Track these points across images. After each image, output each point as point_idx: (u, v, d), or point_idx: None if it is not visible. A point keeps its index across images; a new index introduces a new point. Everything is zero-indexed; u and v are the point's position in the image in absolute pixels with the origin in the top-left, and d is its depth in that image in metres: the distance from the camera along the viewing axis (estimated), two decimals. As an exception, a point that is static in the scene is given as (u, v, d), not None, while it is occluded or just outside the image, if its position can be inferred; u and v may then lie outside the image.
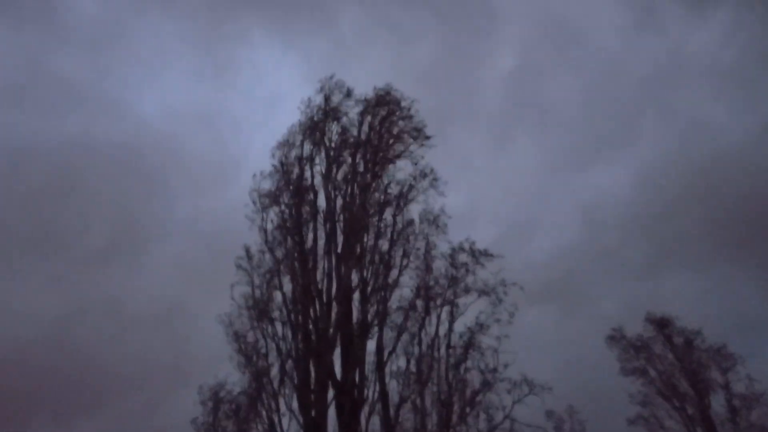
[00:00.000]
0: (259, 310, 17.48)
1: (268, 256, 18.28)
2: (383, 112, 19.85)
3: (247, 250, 18.34)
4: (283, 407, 16.55)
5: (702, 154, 42.39)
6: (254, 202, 18.96)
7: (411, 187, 19.16)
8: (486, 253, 18.40)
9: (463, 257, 18.50)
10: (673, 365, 29.09)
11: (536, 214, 49.03)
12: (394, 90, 19.87)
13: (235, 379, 17.63)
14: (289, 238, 18.36)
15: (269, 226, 18.53)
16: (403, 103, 19.81)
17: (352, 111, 19.90)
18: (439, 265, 18.70)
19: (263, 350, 17.19)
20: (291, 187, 19.07)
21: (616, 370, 29.47)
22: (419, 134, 19.58)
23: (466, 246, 18.55)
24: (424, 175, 19.28)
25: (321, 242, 18.32)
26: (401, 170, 19.43)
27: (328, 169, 19.27)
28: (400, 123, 19.70)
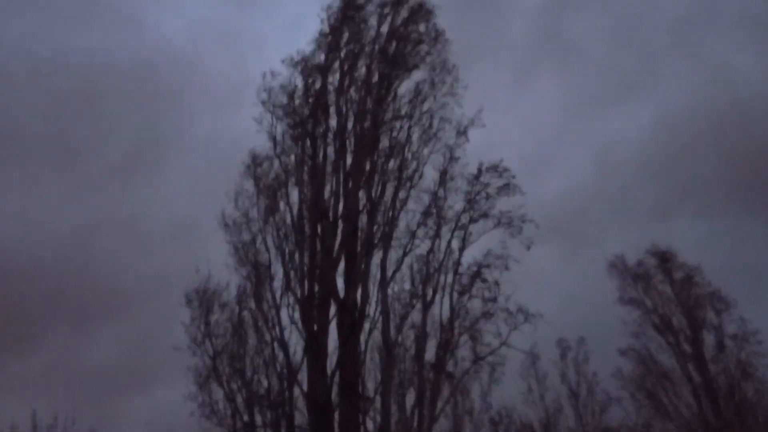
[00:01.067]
0: (266, 215, 17.23)
1: (276, 162, 17.89)
2: (405, 14, 18.91)
3: (254, 157, 17.89)
4: (285, 319, 16.66)
5: (723, 101, 41.12)
6: (263, 103, 18.31)
7: (431, 85, 18.34)
8: (512, 181, 17.56)
9: (487, 178, 17.63)
10: (670, 300, 29.19)
11: (551, 152, 48.43)
12: None
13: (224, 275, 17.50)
14: (299, 147, 17.90)
15: (278, 132, 18.02)
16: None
17: (372, 17, 19.08)
18: (456, 185, 17.94)
19: (266, 259, 17.03)
20: (308, 96, 18.44)
21: (615, 299, 29.60)
22: (439, 39, 18.66)
23: (496, 166, 17.58)
24: (447, 72, 18.43)
25: (330, 160, 17.97)
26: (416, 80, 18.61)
27: (341, 81, 18.58)
28: (421, 27, 18.75)
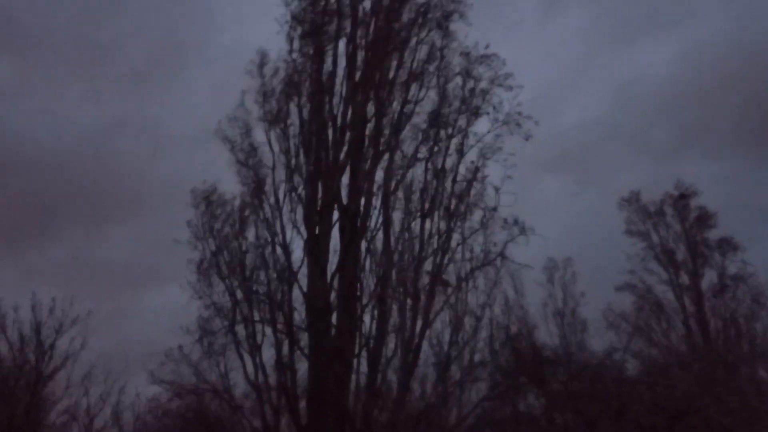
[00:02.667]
0: (274, 117, 17.02)
1: (290, 65, 17.43)
2: None
3: (263, 56, 17.40)
4: (288, 222, 16.75)
5: (751, 40, 39.39)
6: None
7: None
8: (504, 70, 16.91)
9: (480, 71, 17.15)
10: (678, 236, 29.00)
11: (570, 83, 47.07)
12: None
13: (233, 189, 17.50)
14: (313, 52, 17.46)
15: (296, 36, 17.45)
16: None
17: None
18: (454, 87, 17.47)
19: (270, 162, 16.94)
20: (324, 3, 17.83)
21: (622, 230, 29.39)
22: None
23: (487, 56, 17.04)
24: None
25: (341, 69, 17.55)
26: None
27: None
28: None
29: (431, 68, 17.53)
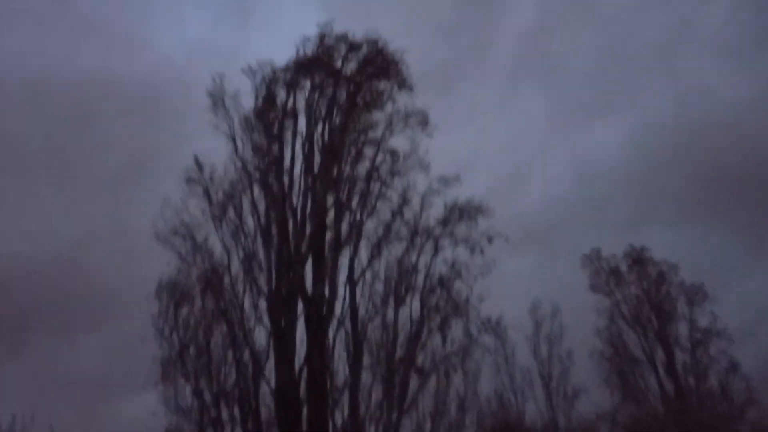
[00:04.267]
0: (222, 215, 16.81)
1: (238, 164, 17.39)
2: (367, 51, 18.46)
3: (199, 164, 17.21)
4: (251, 317, 16.40)
5: (695, 119, 42.16)
6: (216, 104, 17.63)
7: (394, 121, 18.35)
8: (478, 209, 17.86)
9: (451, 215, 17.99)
10: (639, 299, 28.88)
11: (532, 165, 49.09)
12: (381, 39, 18.31)
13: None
14: (267, 153, 17.68)
15: (237, 135, 17.56)
16: (390, 51, 18.35)
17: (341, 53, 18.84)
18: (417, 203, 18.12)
19: (224, 260, 16.62)
20: (275, 107, 18.22)
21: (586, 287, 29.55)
22: (404, 83, 18.38)
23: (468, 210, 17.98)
24: (409, 115, 18.24)
25: (298, 163, 17.78)
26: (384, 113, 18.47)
27: (311, 97, 18.36)
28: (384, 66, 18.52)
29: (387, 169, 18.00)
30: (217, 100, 17.66)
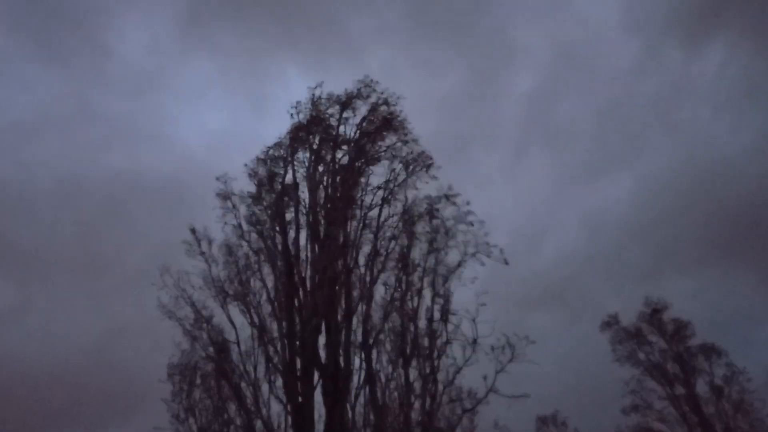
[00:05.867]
0: (234, 294, 16.48)
1: (245, 247, 17.42)
2: (365, 109, 19.10)
3: (193, 231, 17.21)
4: (266, 393, 15.68)
5: (700, 166, 43.27)
6: (225, 199, 17.94)
7: (397, 174, 18.39)
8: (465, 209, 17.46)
9: (445, 212, 17.61)
10: (662, 350, 28.91)
11: (544, 223, 49.87)
12: (375, 83, 18.55)
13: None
14: (270, 231, 17.66)
15: (243, 222, 17.65)
16: (389, 107, 18.51)
17: (336, 115, 19.27)
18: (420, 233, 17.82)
19: (232, 337, 16.10)
20: (273, 185, 18.41)
21: (610, 359, 29.22)
22: (406, 137, 18.77)
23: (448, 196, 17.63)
24: (413, 161, 18.22)
25: (303, 233, 17.67)
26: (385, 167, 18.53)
27: (310, 165, 18.61)
28: (382, 115, 18.89)
29: (395, 221, 17.76)
30: (224, 197, 17.99)
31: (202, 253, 16.78)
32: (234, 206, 17.95)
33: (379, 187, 18.37)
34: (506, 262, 16.57)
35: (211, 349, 16.21)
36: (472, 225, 17.03)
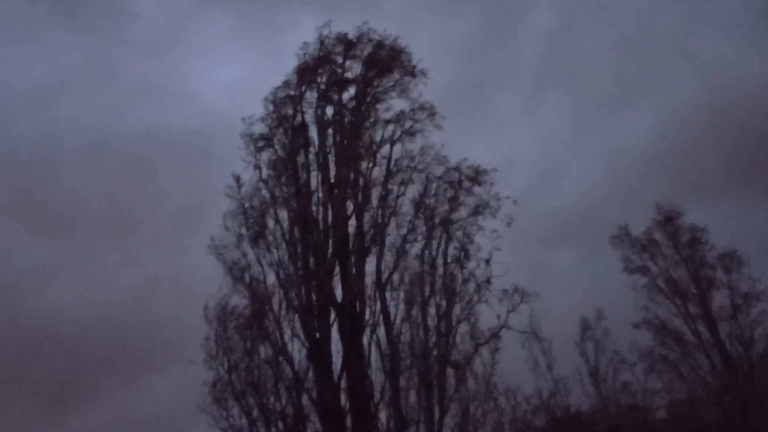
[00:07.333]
0: (256, 234, 16.77)
1: (263, 191, 17.51)
2: (369, 49, 18.26)
3: (237, 179, 17.29)
4: (287, 331, 16.20)
5: (719, 97, 41.37)
6: (247, 146, 17.92)
7: (405, 117, 18.02)
8: (479, 171, 17.53)
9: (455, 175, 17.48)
10: (676, 263, 27.35)
11: (563, 160, 49.56)
12: (373, 31, 17.96)
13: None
14: (283, 175, 17.59)
15: (263, 165, 17.57)
16: (393, 43, 18.02)
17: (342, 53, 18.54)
18: (437, 187, 17.66)
19: (261, 276, 16.52)
20: (284, 127, 18.12)
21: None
22: (413, 71, 18.04)
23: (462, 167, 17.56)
24: (421, 109, 18.03)
25: (314, 173, 17.56)
26: (394, 108, 18.03)
27: (319, 106, 18.10)
28: (385, 58, 18.14)
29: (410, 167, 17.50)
30: (247, 139, 17.77)
31: (241, 199, 17.03)
32: (257, 148, 17.74)
33: (388, 121, 17.98)
34: (509, 224, 16.69)
35: (248, 291, 16.47)
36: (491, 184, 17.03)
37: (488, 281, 16.20)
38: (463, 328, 16.63)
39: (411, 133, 17.67)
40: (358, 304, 16.24)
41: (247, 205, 17.06)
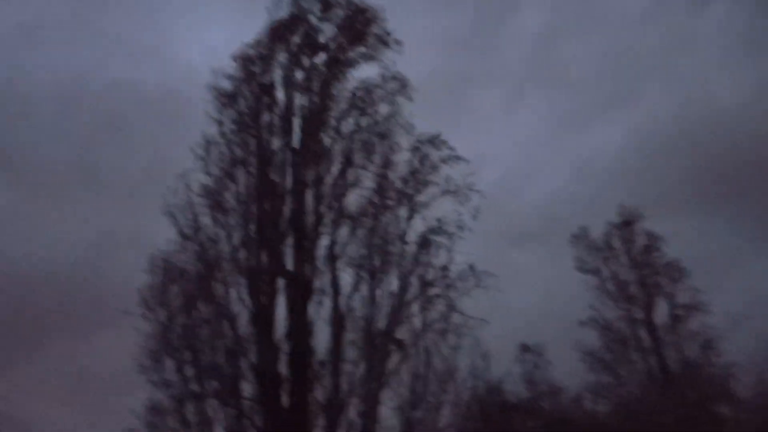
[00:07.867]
0: (214, 199, 16.49)
1: (224, 149, 17.11)
2: (345, 13, 17.94)
3: (207, 141, 16.84)
4: (233, 293, 15.95)
5: (694, 118, 42.76)
6: (215, 96, 17.46)
7: (375, 87, 17.70)
8: (452, 152, 17.09)
9: (426, 149, 17.00)
10: (628, 268, 28.21)
11: (535, 163, 50.62)
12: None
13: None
14: (246, 135, 17.18)
15: (225, 120, 17.12)
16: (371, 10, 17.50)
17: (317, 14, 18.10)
18: (401, 159, 17.18)
19: (213, 237, 16.20)
20: (251, 84, 17.64)
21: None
22: (386, 39, 17.77)
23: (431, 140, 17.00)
24: (393, 78, 17.79)
25: (277, 138, 17.23)
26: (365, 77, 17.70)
27: (288, 68, 17.77)
28: (361, 23, 17.77)
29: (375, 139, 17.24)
30: (214, 93, 17.20)
31: (206, 163, 16.60)
32: (222, 103, 17.25)
33: (353, 92, 17.55)
34: (475, 217, 16.35)
35: (197, 249, 16.11)
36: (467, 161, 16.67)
37: (445, 268, 16.16)
38: (416, 308, 16.54)
39: (378, 102, 17.27)
40: (308, 273, 16.03)
41: (210, 167, 16.58)
